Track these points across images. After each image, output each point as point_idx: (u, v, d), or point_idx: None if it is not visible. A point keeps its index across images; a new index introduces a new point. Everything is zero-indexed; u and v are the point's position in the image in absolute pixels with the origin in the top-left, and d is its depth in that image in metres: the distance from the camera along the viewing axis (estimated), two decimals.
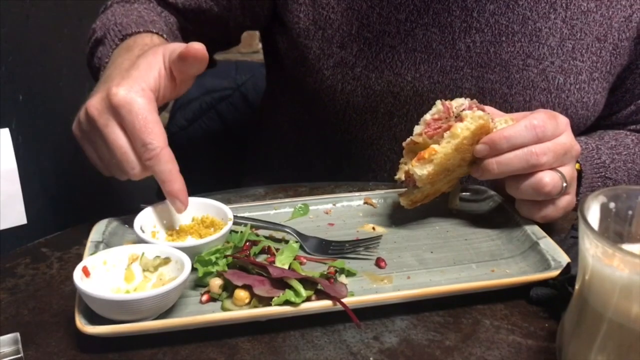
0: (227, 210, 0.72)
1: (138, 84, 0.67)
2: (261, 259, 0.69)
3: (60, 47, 1.32)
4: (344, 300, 0.60)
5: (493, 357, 0.57)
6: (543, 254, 0.68)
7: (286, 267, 0.66)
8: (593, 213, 0.50)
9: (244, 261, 0.65)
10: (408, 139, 0.74)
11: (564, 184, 0.70)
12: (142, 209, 0.72)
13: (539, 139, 0.68)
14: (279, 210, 0.80)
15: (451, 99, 0.73)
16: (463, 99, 0.73)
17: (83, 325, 0.57)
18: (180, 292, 0.61)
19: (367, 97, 0.93)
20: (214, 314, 0.59)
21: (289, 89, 1.05)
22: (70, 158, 1.20)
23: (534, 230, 0.72)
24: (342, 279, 0.66)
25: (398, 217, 0.79)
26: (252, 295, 0.61)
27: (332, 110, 0.96)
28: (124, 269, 0.63)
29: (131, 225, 0.69)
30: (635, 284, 0.44)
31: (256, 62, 1.46)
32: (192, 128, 1.34)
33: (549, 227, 0.74)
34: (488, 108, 0.74)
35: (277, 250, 0.70)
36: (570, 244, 0.69)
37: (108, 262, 0.63)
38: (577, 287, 0.51)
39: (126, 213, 0.75)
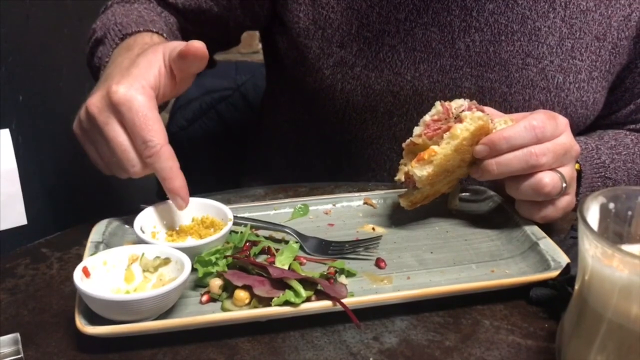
0: (227, 210, 0.72)
1: (138, 81, 0.67)
2: (261, 259, 0.69)
3: (60, 47, 1.32)
4: (343, 300, 0.60)
5: (493, 357, 0.57)
6: (543, 254, 0.68)
7: (286, 267, 0.66)
8: (592, 214, 0.50)
9: (244, 261, 0.65)
10: (408, 140, 0.74)
11: (564, 185, 0.70)
12: (142, 209, 0.72)
13: (538, 140, 0.68)
14: (279, 210, 0.80)
15: (451, 98, 0.73)
16: (462, 99, 0.73)
17: (83, 325, 0.57)
18: (180, 292, 0.61)
19: (367, 96, 0.93)
20: (214, 315, 0.59)
21: (289, 89, 1.05)
22: (71, 158, 1.20)
23: (534, 230, 0.72)
24: (342, 279, 0.66)
25: (398, 217, 0.79)
26: (252, 295, 0.61)
27: (331, 109, 0.96)
28: (124, 270, 0.63)
29: (131, 225, 0.69)
30: (635, 285, 0.44)
31: (256, 62, 1.46)
32: (192, 128, 1.34)
33: (549, 228, 0.74)
34: (487, 109, 0.74)
35: (277, 250, 0.70)
36: (570, 245, 0.69)
37: (108, 262, 0.63)
38: (576, 287, 0.51)
39: (126, 213, 0.75)
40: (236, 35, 1.06)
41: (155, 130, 0.66)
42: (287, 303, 0.59)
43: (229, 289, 0.63)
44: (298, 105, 1.04)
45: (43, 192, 1.17)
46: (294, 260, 0.68)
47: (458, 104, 0.72)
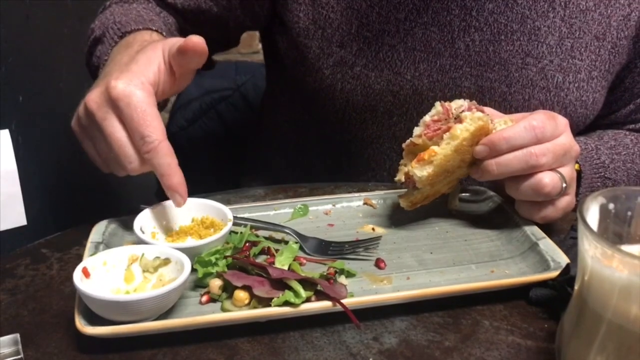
0: (227, 211, 0.72)
1: (137, 77, 0.67)
2: (261, 259, 0.69)
3: (60, 47, 1.32)
4: (343, 301, 0.60)
5: (492, 357, 0.57)
6: (542, 254, 0.68)
7: (286, 267, 0.66)
8: (592, 214, 0.50)
9: (244, 262, 0.65)
10: (408, 141, 0.74)
11: (564, 185, 0.70)
12: (141, 209, 0.72)
13: (538, 140, 0.68)
14: (279, 211, 0.80)
15: (450, 98, 0.74)
16: (462, 100, 0.73)
17: (83, 326, 0.57)
18: (180, 292, 0.61)
19: (367, 96, 0.93)
20: (214, 315, 0.59)
21: (289, 89, 1.05)
22: (70, 158, 1.20)
23: (534, 231, 0.72)
24: (342, 279, 0.66)
25: (398, 217, 0.79)
26: (252, 296, 0.61)
27: (331, 109, 0.96)
28: (123, 270, 0.63)
29: (131, 226, 0.69)
30: (635, 285, 0.44)
31: (256, 62, 1.46)
32: (192, 128, 1.34)
33: (549, 228, 0.74)
34: (487, 109, 0.74)
35: (276, 251, 0.70)
36: (570, 245, 0.69)
37: (108, 262, 0.63)
38: (576, 288, 0.51)
39: (126, 214, 0.75)
40: (235, 35, 1.06)
41: (153, 126, 0.65)
42: (286, 303, 0.59)
43: (228, 289, 0.63)
44: (298, 105, 1.04)
45: (43, 193, 1.17)
46: (294, 260, 0.68)
47: (458, 105, 0.72)
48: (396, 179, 0.75)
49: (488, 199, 0.82)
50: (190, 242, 0.69)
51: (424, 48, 0.90)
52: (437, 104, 0.72)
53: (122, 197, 1.44)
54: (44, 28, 1.24)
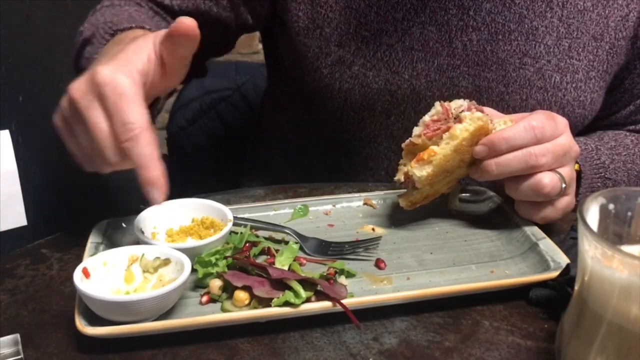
0: (227, 211, 0.72)
1: (125, 65, 0.63)
2: (261, 260, 0.69)
3: (60, 48, 1.32)
4: (343, 301, 0.60)
5: (492, 358, 0.57)
6: (542, 255, 0.68)
7: (286, 268, 0.66)
8: (592, 214, 0.50)
9: (244, 262, 0.65)
10: (407, 140, 0.74)
11: (563, 185, 0.70)
12: (142, 210, 0.72)
13: (537, 140, 0.68)
14: (279, 211, 0.80)
15: (448, 98, 0.74)
16: (462, 100, 0.73)
17: (83, 326, 0.57)
18: (180, 293, 0.61)
19: (365, 95, 0.93)
20: (214, 315, 0.59)
21: (289, 89, 1.05)
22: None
23: (534, 231, 0.72)
24: (342, 280, 0.66)
25: (398, 218, 0.79)
26: (252, 296, 0.61)
27: (330, 108, 0.96)
28: (124, 270, 0.63)
29: (131, 226, 0.69)
30: (635, 286, 0.45)
31: (256, 62, 1.46)
32: (192, 128, 1.34)
33: (549, 228, 0.74)
34: (487, 109, 0.74)
35: (276, 251, 0.70)
36: (570, 245, 0.69)
37: (108, 263, 0.63)
38: (576, 288, 0.51)
39: (126, 214, 0.75)
40: (234, 37, 1.05)
41: (137, 113, 0.61)
42: (287, 304, 0.59)
43: (228, 289, 0.63)
44: (298, 105, 1.04)
45: (43, 193, 1.17)
46: (294, 260, 0.68)
47: (457, 105, 0.72)
48: (395, 178, 0.75)
49: (488, 199, 0.82)
50: (191, 242, 0.69)
51: (422, 47, 0.90)
52: (437, 103, 0.73)
53: (122, 197, 1.44)
54: (44, 28, 1.24)
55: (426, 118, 0.73)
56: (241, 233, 0.71)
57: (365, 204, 0.83)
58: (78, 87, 0.63)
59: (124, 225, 0.74)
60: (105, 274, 0.62)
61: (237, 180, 1.23)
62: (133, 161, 0.61)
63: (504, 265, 0.69)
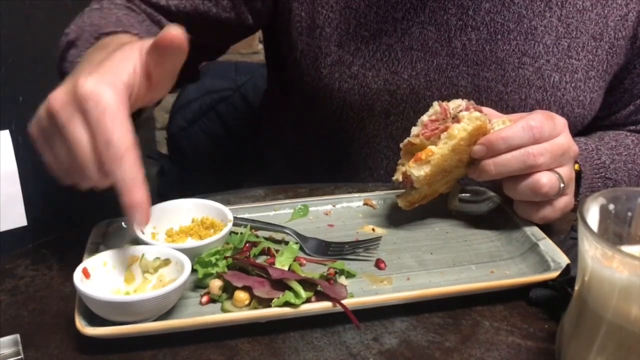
0: (227, 211, 0.72)
1: (110, 76, 0.59)
2: (261, 260, 0.69)
3: None
4: (343, 301, 0.60)
5: (492, 358, 0.57)
6: (542, 255, 0.68)
7: (286, 268, 0.66)
8: (592, 214, 0.50)
9: (244, 262, 0.65)
10: (405, 140, 0.74)
11: (562, 185, 0.70)
12: None
13: (536, 140, 0.68)
14: (279, 211, 0.80)
15: (447, 97, 0.74)
16: (460, 100, 0.73)
17: (83, 326, 0.57)
18: (180, 293, 0.61)
19: (364, 95, 0.93)
20: (214, 316, 0.59)
21: (289, 89, 1.05)
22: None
23: (534, 231, 0.72)
24: (342, 280, 0.66)
25: (398, 218, 0.79)
26: (252, 296, 0.61)
27: (329, 108, 0.96)
28: (124, 271, 0.63)
29: (131, 226, 0.69)
30: (635, 286, 0.45)
31: (256, 62, 1.46)
32: (192, 129, 1.34)
33: (549, 228, 0.74)
34: (485, 109, 0.74)
35: (276, 251, 0.70)
36: (570, 245, 0.69)
37: (108, 263, 0.63)
38: (576, 288, 0.51)
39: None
40: (230, 40, 1.03)
41: (122, 132, 0.57)
42: (287, 304, 0.59)
43: (228, 290, 0.63)
44: (297, 105, 1.04)
45: (43, 193, 1.17)
46: (294, 261, 0.68)
47: (456, 104, 0.72)
48: (394, 178, 0.75)
49: (488, 200, 0.82)
50: (191, 242, 0.69)
51: (421, 47, 0.90)
52: (435, 103, 0.73)
53: None
54: (44, 28, 1.24)
55: (424, 118, 0.73)
56: (241, 233, 0.71)
57: (365, 204, 0.83)
58: (58, 98, 0.59)
59: (124, 225, 0.74)
60: (105, 275, 0.62)
61: (237, 180, 1.23)
62: (116, 183, 0.58)
63: (504, 266, 0.69)
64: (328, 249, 0.72)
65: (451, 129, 0.69)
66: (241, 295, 0.61)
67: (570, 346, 0.51)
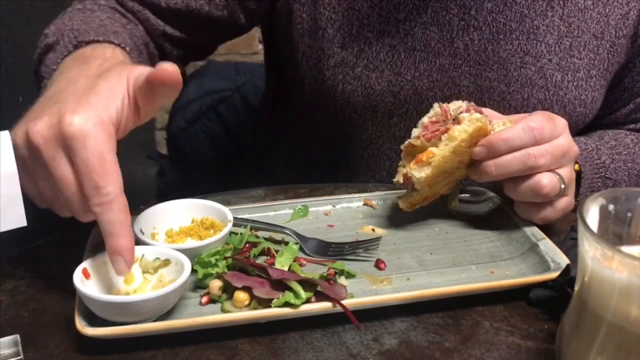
0: (227, 211, 0.72)
1: (97, 114, 0.57)
2: (261, 260, 0.69)
3: None
4: (343, 301, 0.60)
5: (492, 358, 0.57)
6: (542, 255, 0.68)
7: (286, 268, 0.66)
8: (592, 215, 0.50)
9: (244, 263, 0.65)
10: (406, 142, 0.74)
11: (562, 186, 0.70)
12: (141, 210, 0.72)
13: (536, 141, 0.69)
14: (279, 211, 0.80)
15: (449, 98, 0.74)
16: (461, 101, 0.73)
17: (83, 327, 0.57)
18: (180, 293, 0.61)
19: (367, 96, 0.93)
20: (214, 316, 0.59)
21: (289, 90, 1.05)
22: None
23: (534, 231, 0.72)
24: (342, 280, 0.66)
25: (398, 218, 0.79)
26: (252, 296, 0.61)
27: (332, 110, 0.96)
28: None
29: (131, 226, 0.69)
30: (635, 286, 0.45)
31: (256, 63, 1.46)
32: (191, 129, 1.34)
33: (549, 229, 0.74)
34: (486, 110, 0.74)
35: (276, 251, 0.70)
36: (570, 246, 0.69)
37: (108, 263, 0.63)
38: (576, 288, 0.51)
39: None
40: (220, 39, 1.02)
41: (110, 177, 0.56)
42: (286, 304, 0.59)
43: (228, 290, 0.63)
44: (298, 106, 1.04)
45: None
46: (294, 261, 0.68)
47: (456, 106, 0.72)
48: (395, 180, 0.75)
49: (488, 200, 0.82)
50: (190, 243, 0.69)
51: (424, 48, 0.90)
52: (435, 105, 0.73)
53: None
54: (43, 28, 1.23)
55: (425, 120, 0.73)
56: (241, 234, 0.71)
57: (365, 204, 0.83)
58: (41, 132, 0.56)
59: None
60: (105, 275, 0.62)
61: (236, 181, 1.23)
62: (102, 227, 0.57)
63: (504, 266, 0.70)
64: (328, 250, 0.72)
65: (452, 130, 0.69)
66: (241, 296, 0.61)
67: (570, 346, 0.51)
